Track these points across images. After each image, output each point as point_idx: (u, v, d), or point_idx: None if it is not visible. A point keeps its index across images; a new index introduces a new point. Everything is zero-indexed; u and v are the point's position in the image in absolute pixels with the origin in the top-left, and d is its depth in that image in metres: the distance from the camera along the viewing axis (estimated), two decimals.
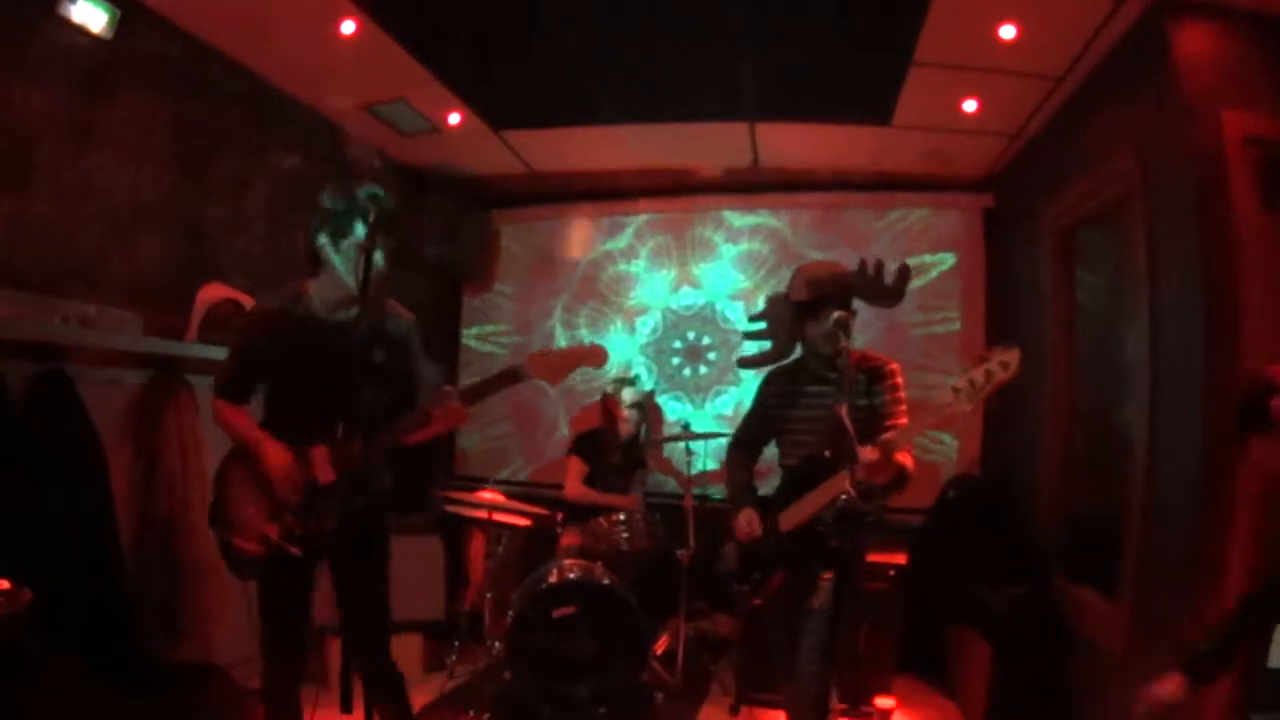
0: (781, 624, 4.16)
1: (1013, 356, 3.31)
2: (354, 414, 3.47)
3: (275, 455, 3.50)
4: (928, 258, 7.33)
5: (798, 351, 4.29)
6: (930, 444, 7.12)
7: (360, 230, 3.46)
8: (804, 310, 4.06)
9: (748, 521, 4.13)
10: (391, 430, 3.58)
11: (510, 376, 3.62)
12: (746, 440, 4.54)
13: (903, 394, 4.04)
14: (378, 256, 3.48)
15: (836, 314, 3.79)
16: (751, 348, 4.39)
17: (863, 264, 3.99)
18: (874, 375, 4.06)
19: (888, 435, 3.62)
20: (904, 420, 3.92)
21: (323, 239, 3.50)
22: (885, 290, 3.99)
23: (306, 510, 3.47)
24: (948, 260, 7.35)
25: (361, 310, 3.64)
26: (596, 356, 3.72)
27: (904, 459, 3.69)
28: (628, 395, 6.59)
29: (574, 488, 6.52)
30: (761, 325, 4.28)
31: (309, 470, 3.48)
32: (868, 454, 3.51)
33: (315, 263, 3.55)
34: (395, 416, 3.60)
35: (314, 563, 3.59)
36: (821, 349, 4.05)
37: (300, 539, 3.43)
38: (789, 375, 4.33)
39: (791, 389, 4.26)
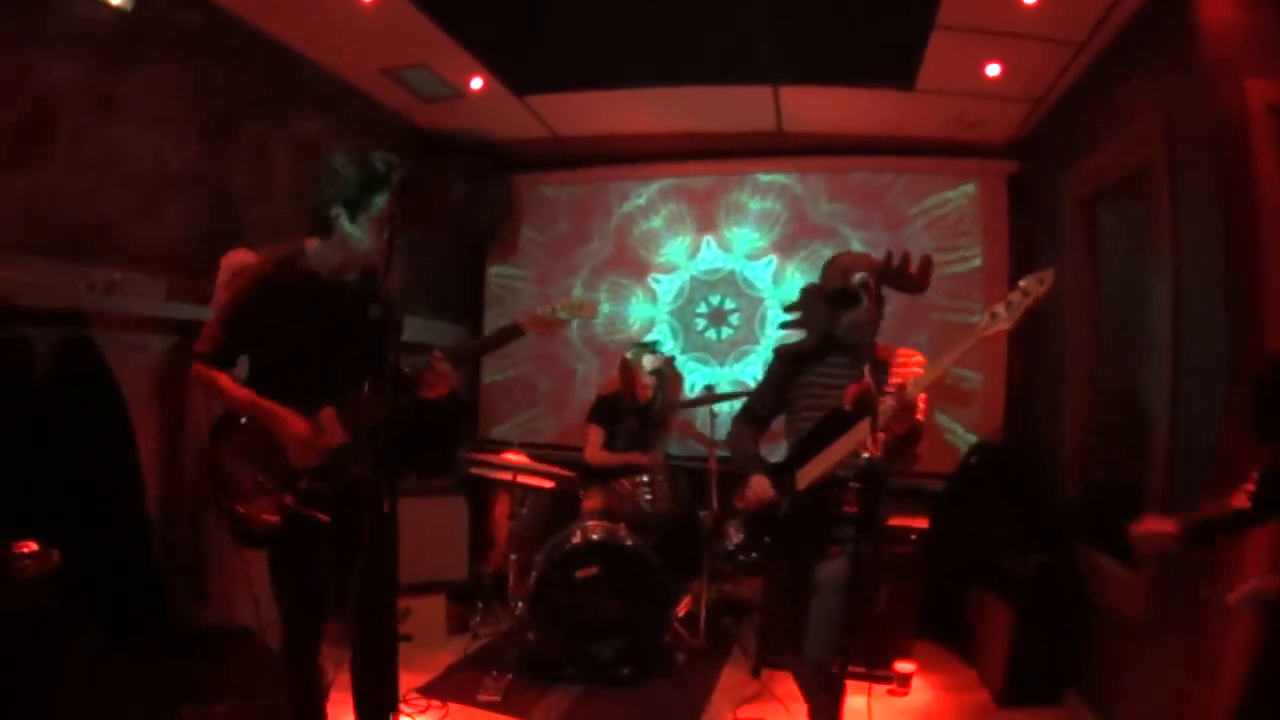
0: (794, 588, 4.14)
1: (1048, 275, 3.34)
2: (356, 373, 3.44)
3: (292, 421, 3.45)
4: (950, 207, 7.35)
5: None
6: (953, 412, 7.15)
7: (379, 203, 3.45)
8: (836, 299, 4.00)
9: (760, 485, 4.06)
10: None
11: (508, 333, 3.71)
12: (757, 414, 4.46)
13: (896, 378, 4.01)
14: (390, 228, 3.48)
15: (859, 276, 3.75)
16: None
17: (889, 255, 3.97)
18: (884, 366, 4.03)
19: (903, 381, 3.67)
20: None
21: (337, 208, 3.47)
22: (911, 278, 3.96)
23: (322, 474, 3.46)
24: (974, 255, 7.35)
25: (360, 273, 3.67)
26: (587, 308, 3.83)
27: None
28: (647, 361, 6.60)
29: (593, 453, 6.57)
30: (796, 315, 4.30)
31: (321, 433, 3.46)
32: (885, 402, 3.52)
33: (323, 226, 3.52)
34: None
35: (329, 528, 3.54)
36: (850, 336, 4.02)
37: (320, 503, 3.41)
38: (808, 354, 4.29)
39: (810, 365, 4.23)
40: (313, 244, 3.59)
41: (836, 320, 4.08)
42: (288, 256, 3.59)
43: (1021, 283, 3.39)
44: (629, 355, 6.73)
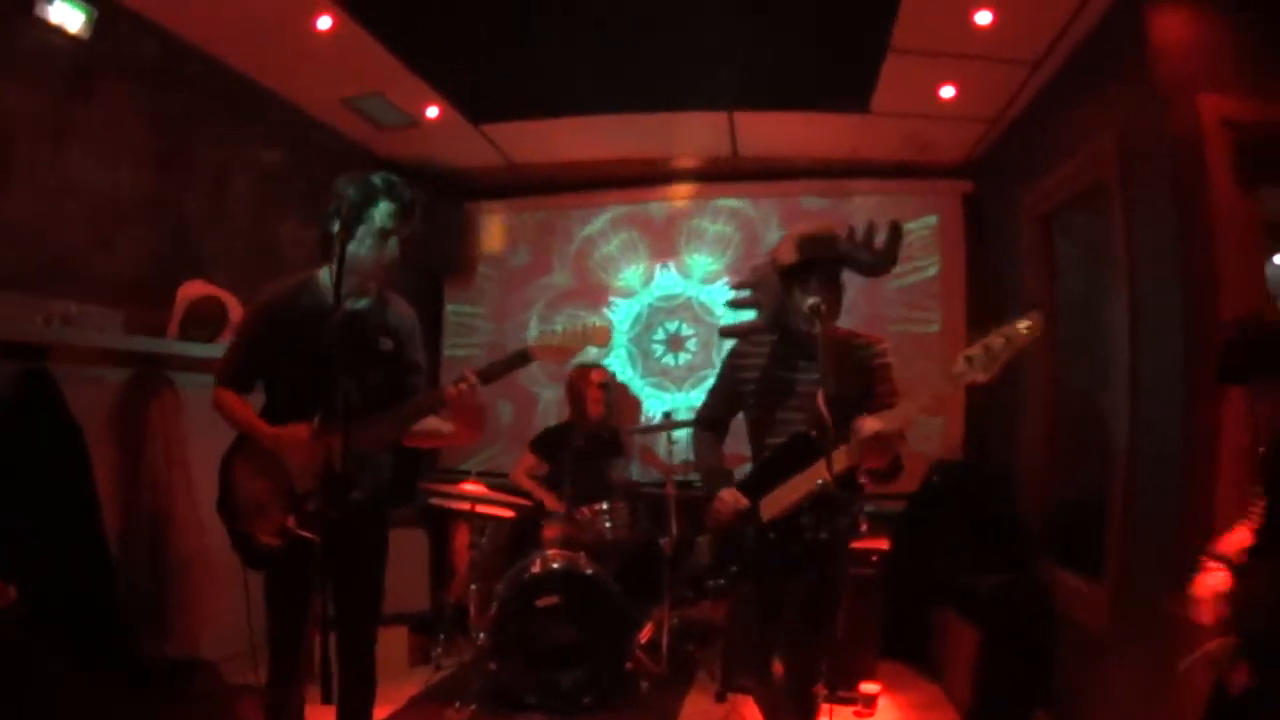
0: (761, 613, 4.10)
1: (1035, 318, 3.21)
2: (364, 401, 3.47)
3: (295, 445, 3.50)
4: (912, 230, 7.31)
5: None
6: (913, 431, 7.10)
7: (377, 217, 3.49)
8: (791, 274, 3.85)
9: (732, 498, 3.90)
10: (403, 413, 3.62)
11: (519, 359, 3.63)
12: (714, 417, 4.31)
13: (894, 375, 3.90)
14: (394, 241, 3.56)
15: (810, 300, 3.65)
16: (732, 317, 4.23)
17: (851, 230, 3.85)
18: (866, 354, 3.90)
19: (886, 411, 3.50)
20: (892, 400, 3.79)
21: (337, 226, 3.43)
22: (875, 256, 3.83)
23: (324, 498, 3.41)
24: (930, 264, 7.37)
25: (371, 300, 3.70)
26: (600, 335, 3.71)
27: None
28: (594, 375, 6.63)
29: (516, 474, 6.70)
30: (746, 293, 4.17)
31: (327, 458, 3.41)
32: (869, 424, 3.41)
33: (327, 249, 3.53)
34: (397, 405, 3.64)
35: (325, 552, 3.49)
36: (802, 324, 3.79)
37: (319, 527, 3.35)
38: (769, 346, 4.08)
39: (772, 361, 4.04)
40: (321, 273, 3.63)
41: (790, 299, 3.88)
42: (299, 283, 3.66)
43: (1004, 328, 3.23)
44: (572, 373, 6.75)
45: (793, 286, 3.85)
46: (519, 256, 8.51)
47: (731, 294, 4.09)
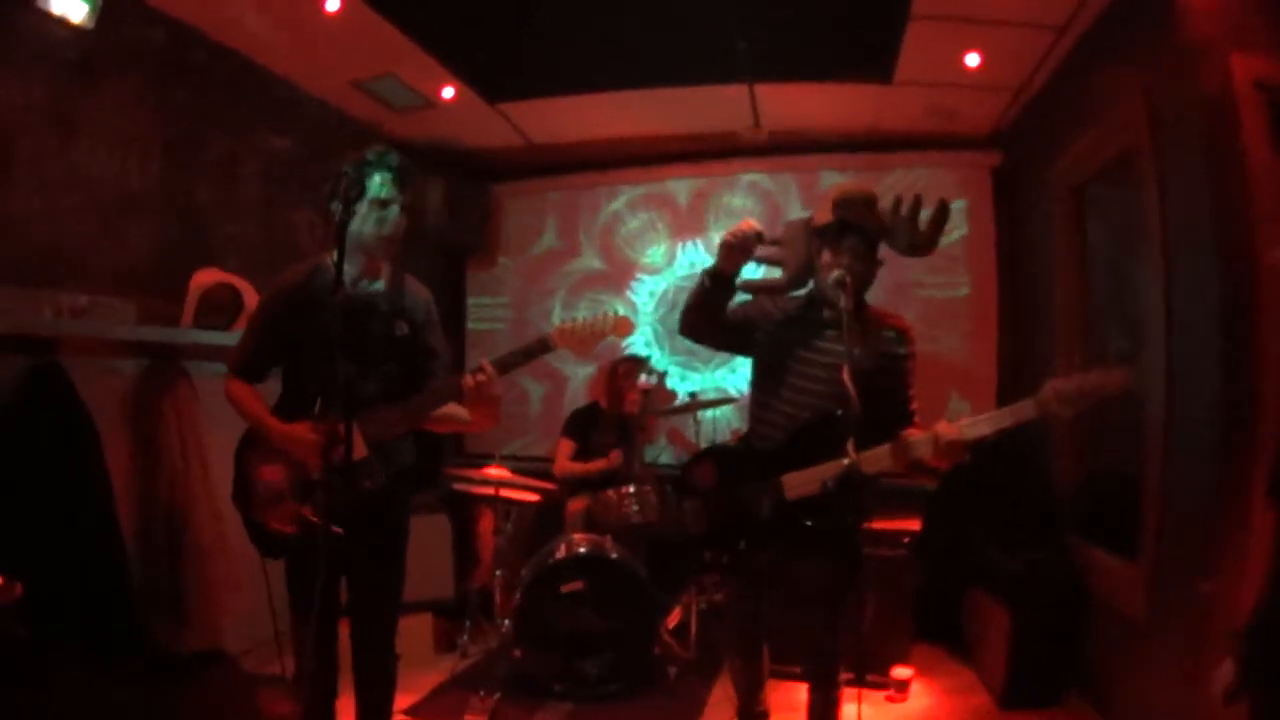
0: (755, 595, 4.06)
1: (1128, 375, 3.21)
2: (380, 387, 3.57)
3: (300, 434, 3.47)
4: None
5: (809, 285, 3.92)
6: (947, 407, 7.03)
7: (373, 186, 3.50)
8: (824, 235, 3.73)
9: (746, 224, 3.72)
10: (420, 401, 3.60)
11: (539, 347, 3.61)
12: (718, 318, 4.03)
13: (916, 365, 3.85)
14: (393, 211, 3.55)
15: (836, 273, 3.57)
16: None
17: (897, 201, 3.66)
18: (898, 337, 3.81)
19: (963, 422, 3.44)
20: (914, 390, 3.79)
21: (336, 205, 3.46)
22: (917, 234, 3.66)
23: (340, 487, 3.34)
24: (960, 223, 7.24)
25: (384, 284, 3.71)
26: (622, 326, 3.68)
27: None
28: (641, 380, 6.54)
29: (560, 465, 6.58)
30: (774, 249, 4.01)
31: (340, 445, 3.36)
32: (949, 431, 3.39)
33: (333, 233, 3.44)
34: (414, 391, 3.63)
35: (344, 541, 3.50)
36: (828, 293, 3.71)
37: (336, 516, 3.33)
38: (793, 304, 3.99)
39: (793, 322, 3.93)
40: (330, 257, 3.55)
41: (819, 260, 3.76)
42: (310, 270, 3.65)
43: (1099, 372, 3.23)
44: (621, 366, 6.67)
45: (824, 249, 3.74)
46: (541, 237, 8.48)
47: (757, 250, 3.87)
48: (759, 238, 3.65)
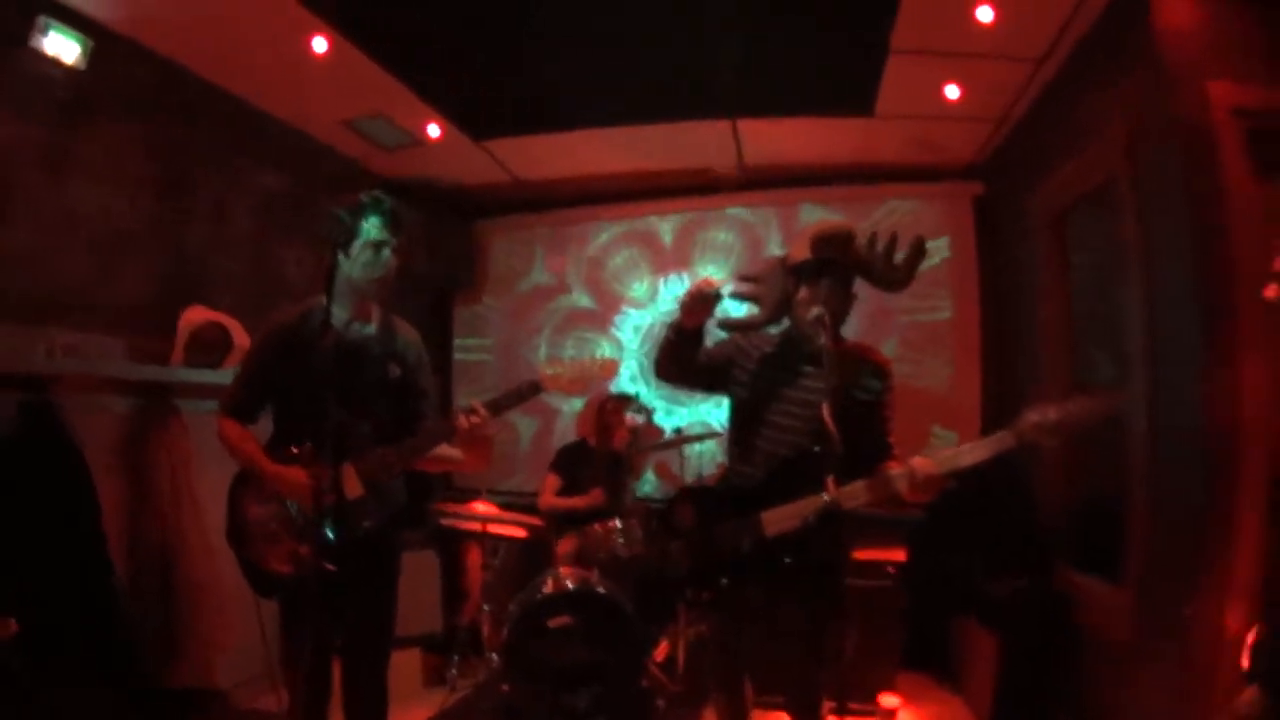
0: (735, 631, 4.03)
1: (1110, 403, 3.34)
2: (373, 429, 3.61)
3: (294, 475, 3.48)
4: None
5: (785, 322, 3.91)
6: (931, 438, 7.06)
7: (367, 229, 3.56)
8: (801, 272, 3.74)
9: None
10: (414, 443, 3.64)
11: (530, 390, 3.68)
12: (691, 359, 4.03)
13: (894, 399, 3.85)
14: (385, 253, 3.60)
15: (815, 311, 3.55)
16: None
17: (873, 237, 3.68)
18: (876, 372, 3.81)
19: (937, 453, 3.47)
20: (892, 425, 3.79)
21: (333, 250, 3.47)
22: (893, 270, 3.67)
23: (336, 527, 3.40)
24: (942, 249, 7.28)
25: (376, 326, 3.76)
26: (609, 369, 3.78)
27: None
28: (629, 417, 6.55)
29: (545, 500, 6.55)
30: (750, 285, 4.02)
31: (337, 486, 3.46)
32: (925, 467, 3.40)
33: (330, 276, 3.48)
34: (407, 432, 3.67)
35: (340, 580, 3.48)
36: (806, 330, 3.69)
37: (333, 556, 3.32)
38: (771, 341, 3.99)
39: (771, 358, 3.93)
40: (324, 300, 3.57)
41: (794, 297, 3.76)
42: (303, 312, 3.68)
43: (1079, 401, 3.28)
44: (610, 404, 6.67)
45: (801, 286, 3.75)
46: (527, 272, 8.51)
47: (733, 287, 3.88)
48: (718, 296, 3.64)
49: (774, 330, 3.97)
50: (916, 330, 7.28)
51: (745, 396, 3.96)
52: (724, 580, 3.80)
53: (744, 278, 3.81)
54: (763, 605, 3.82)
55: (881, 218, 7.30)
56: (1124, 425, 4.52)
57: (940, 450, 3.48)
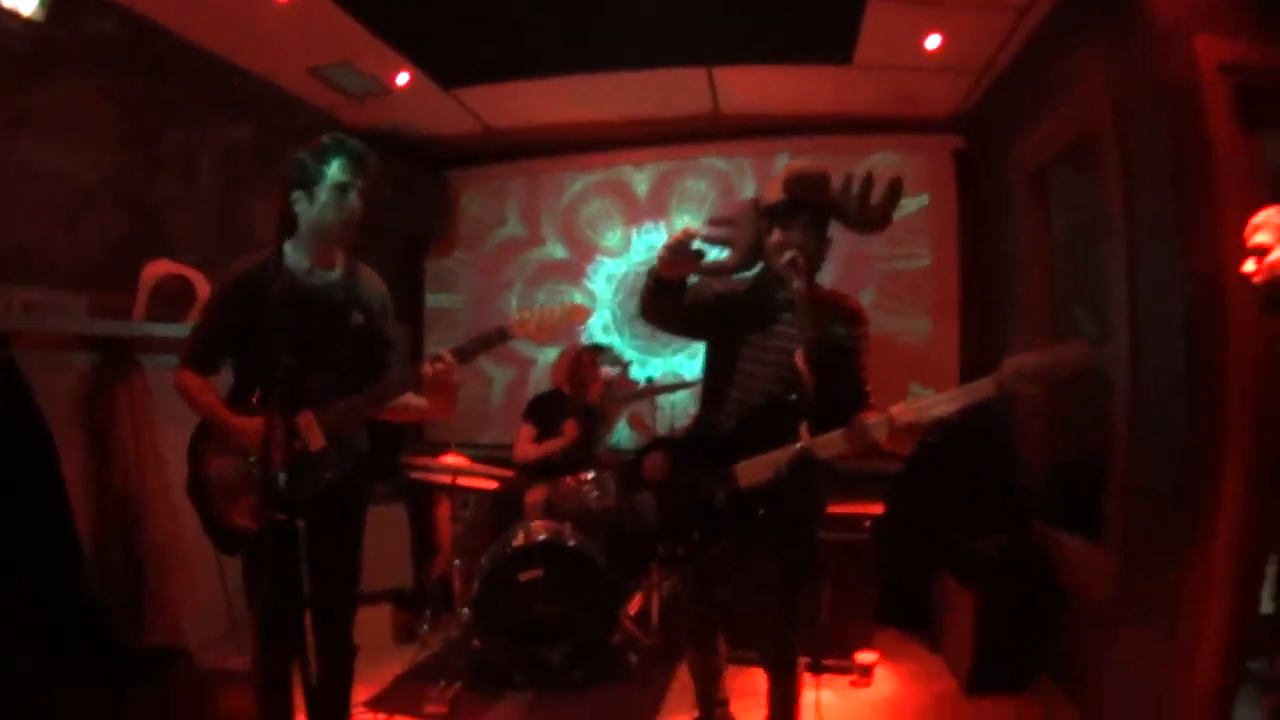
0: (710, 586, 4.05)
1: (1087, 351, 3.17)
2: (336, 378, 3.54)
3: (254, 426, 3.38)
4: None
5: (759, 267, 3.86)
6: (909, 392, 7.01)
7: (332, 172, 3.46)
8: (775, 214, 3.68)
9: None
10: (378, 392, 3.58)
11: (498, 336, 3.60)
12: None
13: (869, 345, 3.81)
14: (352, 196, 3.50)
15: (789, 254, 3.52)
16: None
17: (848, 178, 3.62)
18: (849, 318, 3.77)
19: (918, 400, 3.41)
20: (867, 373, 3.75)
21: (296, 193, 3.45)
22: (869, 211, 3.61)
23: (298, 478, 3.33)
24: (921, 200, 7.23)
25: (340, 273, 3.68)
26: (579, 314, 3.67)
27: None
28: (604, 370, 6.49)
29: (521, 450, 6.48)
30: (721, 229, 3.95)
31: (298, 437, 3.39)
32: (905, 414, 3.35)
33: (290, 224, 3.48)
34: (371, 381, 3.61)
35: (302, 533, 3.41)
36: (779, 273, 3.67)
37: (295, 508, 3.26)
38: (744, 285, 3.92)
39: (745, 303, 3.87)
40: (286, 246, 3.54)
41: (768, 240, 3.71)
42: (264, 260, 3.53)
43: (1057, 348, 3.21)
44: (585, 354, 6.60)
45: (774, 228, 3.69)
46: (499, 222, 8.41)
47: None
48: (699, 254, 3.54)
49: (747, 275, 3.89)
50: (894, 279, 7.21)
51: (717, 343, 3.93)
52: (696, 534, 3.76)
53: (715, 221, 3.73)
54: (736, 559, 3.79)
55: (859, 170, 7.19)
56: (1106, 379, 4.48)
57: (919, 398, 3.44)
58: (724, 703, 4.43)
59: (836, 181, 3.65)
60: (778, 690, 3.94)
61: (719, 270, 3.83)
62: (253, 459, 3.48)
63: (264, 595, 3.49)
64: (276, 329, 3.25)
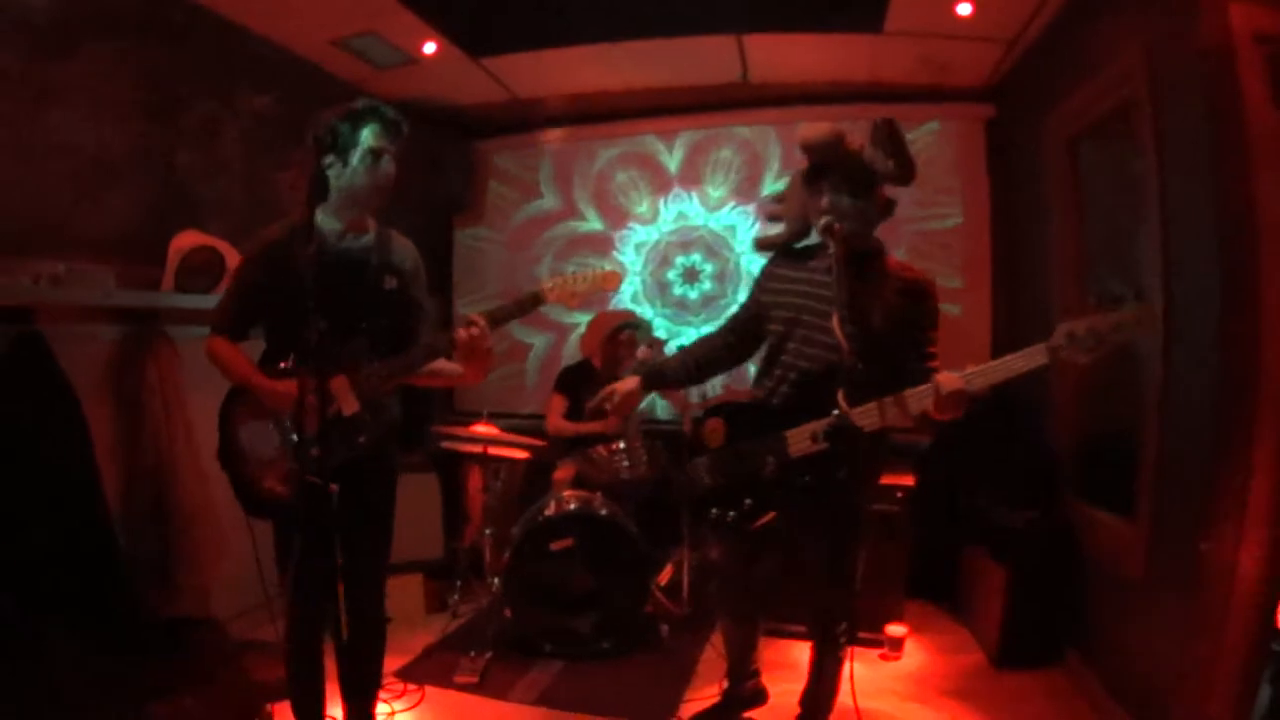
0: (750, 554, 4.07)
1: (1148, 313, 3.14)
2: (369, 343, 3.57)
3: (289, 390, 3.41)
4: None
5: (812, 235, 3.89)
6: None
7: (364, 137, 3.50)
8: (808, 181, 3.73)
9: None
10: (411, 357, 3.60)
11: (531, 301, 3.63)
12: (730, 329, 4.24)
13: (938, 318, 3.78)
14: (385, 160, 3.54)
15: (824, 219, 3.57)
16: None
17: (874, 125, 3.60)
18: (910, 290, 3.72)
19: (967, 369, 3.37)
20: (932, 348, 3.72)
21: (329, 159, 3.46)
22: (896, 160, 3.59)
23: (331, 442, 3.35)
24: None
25: (371, 237, 3.71)
26: (611, 280, 3.69)
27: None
28: (641, 347, 6.45)
29: (553, 423, 6.50)
30: (775, 204, 3.97)
31: (331, 401, 3.42)
32: (952, 381, 3.32)
33: (322, 189, 3.45)
34: (403, 346, 3.63)
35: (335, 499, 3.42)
36: (821, 237, 3.68)
37: (328, 473, 3.26)
38: (799, 256, 3.97)
39: (802, 275, 3.87)
40: (318, 211, 3.54)
41: (812, 210, 3.74)
42: (296, 225, 3.55)
43: (1115, 313, 3.13)
44: (623, 330, 6.59)
45: (812, 196, 3.72)
46: (528, 191, 8.39)
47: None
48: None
49: (807, 244, 3.96)
50: (926, 252, 7.15)
51: (777, 313, 3.93)
52: (745, 500, 3.79)
53: (771, 197, 3.79)
54: (783, 526, 3.81)
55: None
56: (1140, 355, 4.44)
57: (968, 365, 3.39)
58: (756, 674, 4.46)
59: (857, 138, 3.65)
60: (820, 659, 3.99)
61: (775, 243, 3.98)
62: (286, 423, 3.52)
63: (296, 559, 3.53)
64: (309, 293, 3.25)
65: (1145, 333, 3.12)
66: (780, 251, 4.05)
